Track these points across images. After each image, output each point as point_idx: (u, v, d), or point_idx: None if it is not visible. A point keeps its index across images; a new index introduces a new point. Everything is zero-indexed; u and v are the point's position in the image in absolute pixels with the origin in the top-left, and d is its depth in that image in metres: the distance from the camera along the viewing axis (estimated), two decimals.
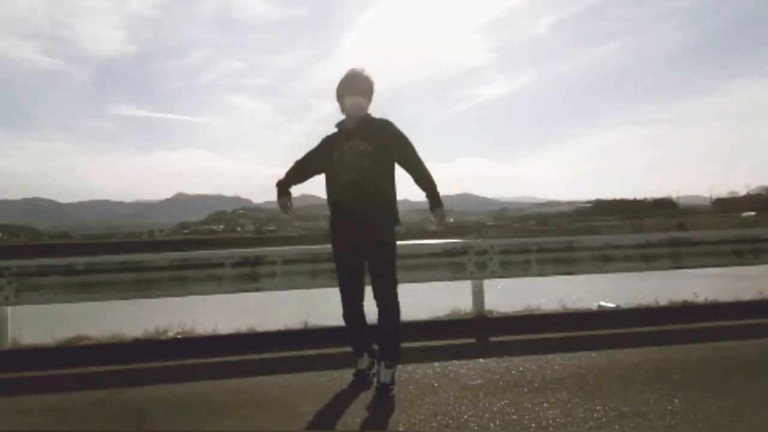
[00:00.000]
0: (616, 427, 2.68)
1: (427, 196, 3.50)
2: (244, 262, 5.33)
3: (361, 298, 3.54)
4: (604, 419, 2.78)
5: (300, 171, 3.72)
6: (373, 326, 3.49)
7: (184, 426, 2.96)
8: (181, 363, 4.41)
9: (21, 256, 5.57)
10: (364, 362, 3.59)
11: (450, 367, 3.84)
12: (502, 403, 3.08)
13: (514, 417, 2.86)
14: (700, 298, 6.06)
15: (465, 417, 2.88)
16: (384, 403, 3.15)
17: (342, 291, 3.54)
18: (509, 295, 6.78)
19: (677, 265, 6.02)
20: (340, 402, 3.24)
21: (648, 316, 5.59)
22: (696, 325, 5.11)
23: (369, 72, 3.52)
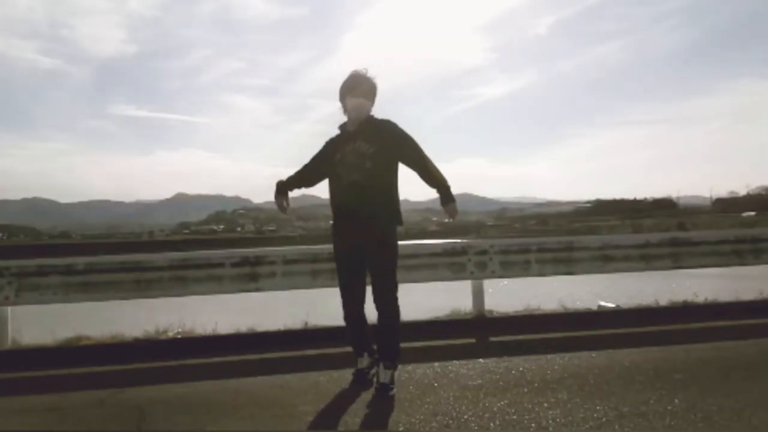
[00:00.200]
0: (616, 427, 2.68)
1: (438, 193, 3.49)
2: (244, 262, 5.33)
3: (362, 299, 3.54)
4: (604, 419, 2.78)
5: (306, 176, 3.71)
6: (373, 326, 3.49)
7: (184, 426, 2.96)
8: (181, 363, 4.41)
9: (21, 256, 5.57)
10: (364, 362, 3.59)
11: (450, 367, 3.84)
12: (502, 403, 3.08)
13: (514, 417, 2.86)
14: (700, 298, 6.06)
15: (465, 417, 2.88)
16: (384, 402, 3.15)
17: (343, 291, 3.55)
18: (509, 295, 6.78)
19: (677, 265, 6.02)
20: (340, 402, 3.24)
21: (648, 316, 5.59)
22: (696, 325, 5.11)
23: (372, 73, 3.52)
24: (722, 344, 4.30)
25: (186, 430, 2.92)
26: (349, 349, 3.66)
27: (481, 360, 4.01)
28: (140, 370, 4.27)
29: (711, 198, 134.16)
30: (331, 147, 3.60)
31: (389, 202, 3.47)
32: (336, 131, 3.64)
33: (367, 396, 3.29)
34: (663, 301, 6.09)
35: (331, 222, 3.62)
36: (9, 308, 5.06)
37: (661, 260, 5.99)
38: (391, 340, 3.41)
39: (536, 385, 3.39)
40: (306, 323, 5.32)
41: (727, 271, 6.87)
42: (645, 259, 5.96)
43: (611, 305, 6.24)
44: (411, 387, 3.42)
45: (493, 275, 5.64)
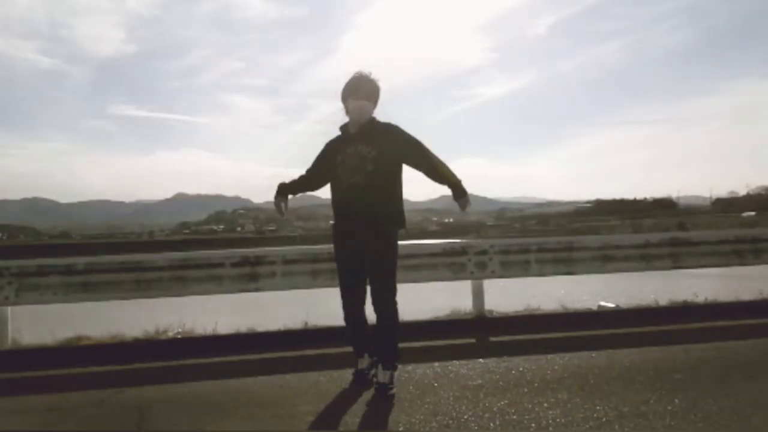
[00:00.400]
0: (616, 427, 2.68)
1: (449, 188, 3.47)
2: (244, 262, 5.33)
3: (363, 301, 3.54)
4: (604, 419, 2.78)
5: (309, 180, 3.69)
6: (372, 327, 3.49)
7: (184, 426, 2.96)
8: (181, 363, 4.41)
9: (21, 256, 5.57)
10: (364, 363, 3.59)
11: (450, 367, 3.84)
12: (502, 403, 3.08)
13: (514, 417, 2.86)
14: (700, 298, 6.07)
15: (465, 417, 2.88)
16: (384, 402, 3.15)
17: (343, 292, 3.55)
18: (509, 295, 6.78)
19: (677, 265, 6.02)
20: (341, 402, 3.24)
21: (648, 316, 5.59)
22: (696, 325, 5.11)
23: (375, 76, 3.50)
24: (722, 344, 4.30)
25: (186, 430, 2.92)
26: (349, 349, 3.65)
27: (481, 360, 4.01)
28: (140, 370, 4.27)
29: (711, 198, 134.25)
30: (331, 148, 3.59)
31: (390, 205, 3.46)
32: (336, 132, 3.63)
33: (367, 396, 3.29)
34: (663, 301, 6.09)
35: (331, 222, 3.62)
36: (9, 308, 5.06)
37: (661, 260, 5.99)
38: (390, 341, 3.41)
39: (536, 385, 3.39)
40: (306, 323, 5.32)
41: (727, 271, 6.87)
42: (645, 259, 5.96)
43: (611, 305, 6.24)
44: (411, 387, 3.42)
45: (493, 275, 5.64)
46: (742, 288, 6.38)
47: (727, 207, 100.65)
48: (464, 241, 6.24)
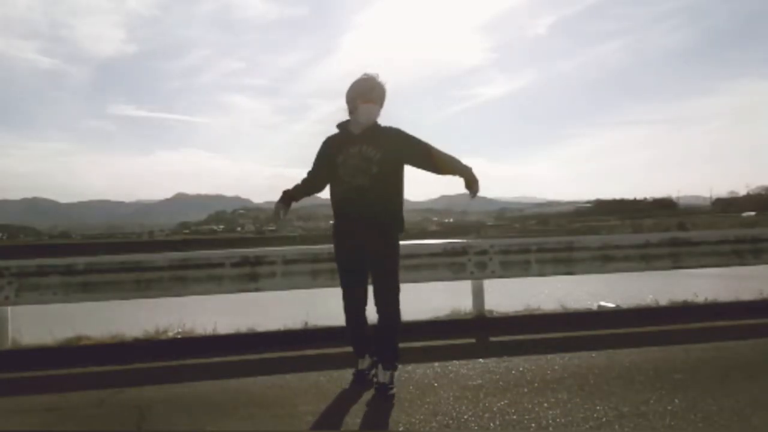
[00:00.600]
0: (616, 427, 2.68)
1: (461, 178, 3.46)
2: (244, 262, 5.33)
3: (364, 301, 3.53)
4: (604, 419, 2.78)
5: (312, 183, 3.67)
6: (373, 327, 3.48)
7: (184, 426, 2.96)
8: (181, 363, 4.41)
9: (21, 256, 5.57)
10: (364, 363, 3.59)
11: (450, 367, 3.84)
12: (502, 403, 3.08)
13: (514, 417, 2.86)
14: (700, 298, 6.07)
15: (465, 417, 2.88)
16: (384, 402, 3.15)
17: (344, 293, 3.54)
18: (509, 295, 6.78)
19: (677, 265, 6.02)
20: (341, 402, 3.24)
21: (648, 316, 5.59)
22: (696, 325, 5.11)
23: (382, 78, 3.47)
24: (722, 344, 4.30)
25: (186, 430, 2.92)
26: (349, 349, 3.65)
27: (481, 360, 4.01)
28: (140, 370, 4.27)
29: (711, 198, 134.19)
30: (332, 147, 3.55)
31: (393, 206, 3.46)
32: (335, 130, 3.62)
33: (367, 396, 3.29)
34: (663, 301, 6.09)
35: (331, 222, 3.61)
36: (9, 308, 5.06)
37: (661, 260, 5.99)
38: (391, 341, 3.41)
39: (536, 385, 3.39)
40: (306, 323, 5.32)
41: (727, 271, 6.87)
42: (645, 259, 5.96)
43: (611, 305, 6.24)
44: (411, 387, 3.42)
45: (493, 275, 5.64)
46: (742, 288, 6.38)
47: (727, 207, 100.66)
48: (464, 241, 6.24)
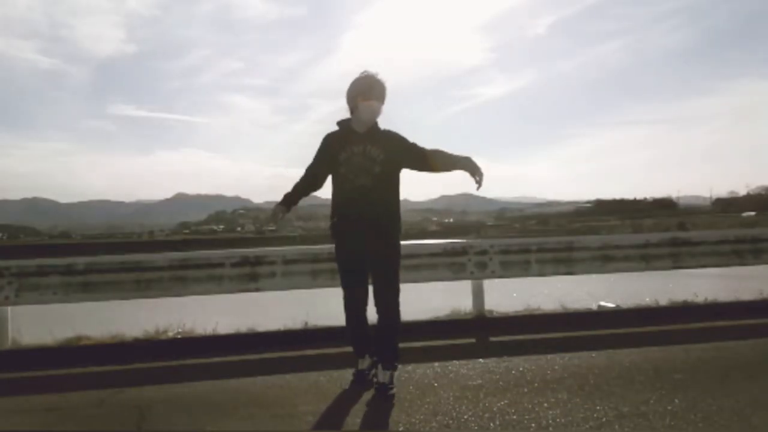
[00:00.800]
0: (616, 427, 2.68)
1: (463, 170, 3.42)
2: (244, 262, 5.33)
3: (364, 301, 3.52)
4: (604, 419, 2.78)
5: (312, 181, 3.65)
6: (373, 327, 3.48)
7: (184, 426, 2.96)
8: (181, 363, 4.41)
9: (21, 256, 5.57)
10: (365, 363, 3.59)
11: (450, 367, 3.84)
12: (502, 403, 3.08)
13: (514, 417, 2.86)
14: (700, 298, 6.07)
15: (465, 417, 2.88)
16: (384, 402, 3.15)
17: (345, 293, 3.54)
18: (509, 295, 6.78)
19: (677, 265, 6.02)
20: (341, 402, 3.24)
21: (648, 316, 5.59)
22: (696, 325, 5.11)
23: (383, 76, 3.47)
24: (722, 344, 4.30)
25: (186, 430, 2.92)
26: (349, 349, 3.65)
27: (481, 360, 4.01)
28: (140, 370, 4.27)
29: (711, 198, 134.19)
30: (334, 144, 3.52)
31: (393, 207, 3.47)
32: (335, 127, 3.60)
33: (367, 396, 3.29)
34: (663, 301, 6.09)
35: (331, 222, 3.59)
36: (9, 308, 5.06)
37: (661, 260, 5.99)
38: (391, 341, 3.41)
39: (536, 385, 3.39)
40: (306, 323, 5.32)
41: (727, 271, 6.87)
42: (645, 259, 5.96)
43: (611, 305, 6.24)
44: (411, 387, 3.42)
45: (493, 275, 5.64)
46: (742, 288, 6.38)
47: (727, 207, 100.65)
48: (464, 241, 6.24)
